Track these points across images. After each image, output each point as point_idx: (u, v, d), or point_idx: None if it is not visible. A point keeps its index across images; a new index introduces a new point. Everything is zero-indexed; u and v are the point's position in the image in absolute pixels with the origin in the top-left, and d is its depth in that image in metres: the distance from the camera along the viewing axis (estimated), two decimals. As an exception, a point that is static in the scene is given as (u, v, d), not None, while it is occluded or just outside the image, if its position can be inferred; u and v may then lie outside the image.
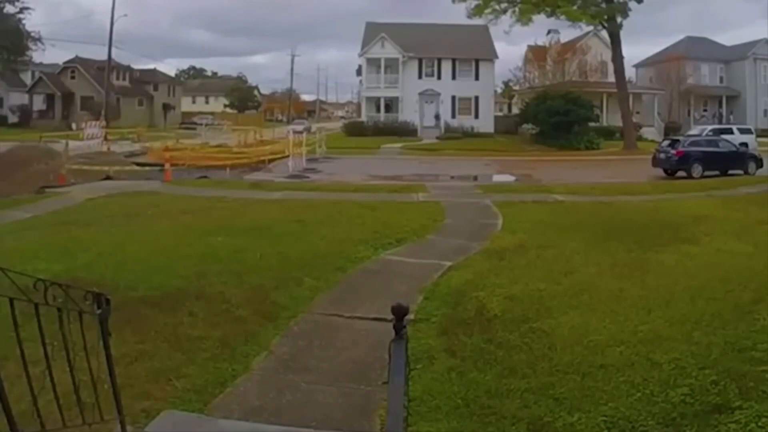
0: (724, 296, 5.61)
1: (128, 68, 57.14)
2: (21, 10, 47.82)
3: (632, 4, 33.84)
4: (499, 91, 55.20)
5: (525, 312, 5.46)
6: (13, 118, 50.37)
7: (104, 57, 44.39)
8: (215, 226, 9.83)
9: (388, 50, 44.34)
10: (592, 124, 36.13)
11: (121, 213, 11.44)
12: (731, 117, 45.78)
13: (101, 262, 7.26)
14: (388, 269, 7.46)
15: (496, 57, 45.37)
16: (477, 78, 45.03)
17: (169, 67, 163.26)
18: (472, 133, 41.75)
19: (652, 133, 39.81)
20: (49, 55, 64.97)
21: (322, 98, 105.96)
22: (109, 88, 45.45)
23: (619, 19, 33.56)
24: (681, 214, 11.08)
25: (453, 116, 44.48)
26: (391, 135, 40.02)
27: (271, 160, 23.45)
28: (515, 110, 51.41)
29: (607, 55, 39.05)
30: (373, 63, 44.89)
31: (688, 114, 47.32)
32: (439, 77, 45.04)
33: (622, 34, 34.38)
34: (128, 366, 4.26)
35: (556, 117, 33.83)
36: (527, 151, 32.87)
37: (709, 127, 29.47)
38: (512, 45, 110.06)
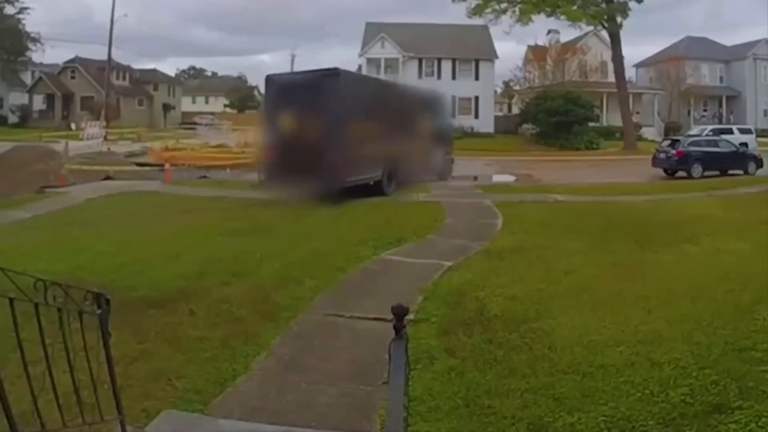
0: (724, 296, 5.60)
1: (128, 68, 57.06)
2: (21, 10, 48.01)
3: (632, 5, 33.97)
4: (499, 91, 55.18)
5: (525, 312, 5.45)
6: (13, 118, 50.41)
7: (104, 57, 44.40)
8: (215, 226, 9.83)
9: (388, 50, 44.31)
10: (592, 124, 36.19)
11: (121, 213, 11.46)
12: (731, 117, 45.76)
13: (102, 262, 7.27)
14: (388, 269, 7.45)
15: (496, 57, 45.36)
16: (477, 78, 44.99)
17: (172, 66, 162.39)
18: (472, 133, 41.67)
19: (652, 133, 39.83)
20: (49, 55, 65.17)
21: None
22: (109, 88, 45.41)
23: (619, 19, 33.65)
24: (681, 214, 11.06)
25: (453, 116, 44.41)
26: (391, 135, 39.90)
27: (271, 160, 23.36)
28: (515, 110, 51.41)
29: (607, 55, 39.08)
30: (373, 63, 44.83)
31: (688, 114, 47.31)
32: (439, 77, 44.93)
33: (627, 34, 34.67)
34: (128, 366, 4.27)
35: (556, 117, 33.89)
36: (527, 151, 32.87)
37: (709, 127, 29.47)
38: (522, 44, 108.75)
